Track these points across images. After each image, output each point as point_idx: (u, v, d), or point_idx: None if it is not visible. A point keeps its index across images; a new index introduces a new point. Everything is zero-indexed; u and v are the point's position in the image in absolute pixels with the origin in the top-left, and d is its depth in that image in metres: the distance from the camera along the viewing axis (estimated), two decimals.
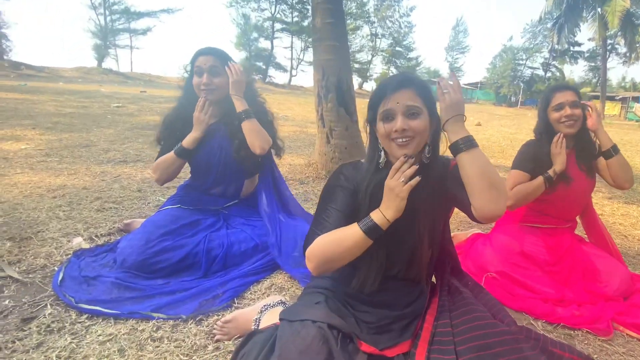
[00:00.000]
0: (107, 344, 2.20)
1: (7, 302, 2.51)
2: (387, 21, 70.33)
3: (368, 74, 70.74)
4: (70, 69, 40.67)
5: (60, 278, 2.75)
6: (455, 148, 1.85)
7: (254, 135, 3.13)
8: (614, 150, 3.04)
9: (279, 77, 62.53)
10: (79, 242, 3.35)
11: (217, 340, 2.29)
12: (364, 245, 1.83)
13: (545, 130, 3.17)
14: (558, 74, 68.29)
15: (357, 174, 2.03)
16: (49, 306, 2.50)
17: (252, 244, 3.18)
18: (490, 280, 3.06)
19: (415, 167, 1.79)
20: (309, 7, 57.07)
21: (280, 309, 2.28)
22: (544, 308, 2.81)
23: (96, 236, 3.55)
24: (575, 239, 3.30)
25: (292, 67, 63.64)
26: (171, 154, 3.12)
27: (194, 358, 2.14)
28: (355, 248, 1.83)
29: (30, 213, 3.92)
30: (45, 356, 2.07)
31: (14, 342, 2.16)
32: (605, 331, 2.62)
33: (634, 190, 6.94)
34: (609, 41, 47.52)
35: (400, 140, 1.85)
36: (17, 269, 2.90)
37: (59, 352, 2.10)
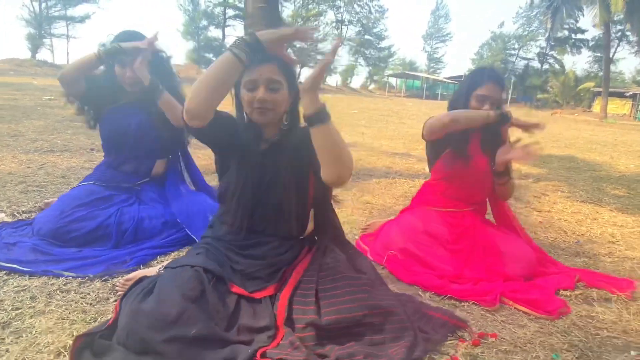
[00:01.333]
0: (21, 292, 2.83)
1: None
2: (355, 5, 68.98)
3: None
4: (0, 61, 40.58)
5: None
6: (307, 121, 2.36)
7: (170, 108, 3.68)
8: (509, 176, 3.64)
9: None
10: (1, 217, 3.96)
11: (119, 294, 2.85)
12: (233, 67, 2.31)
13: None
14: (557, 65, 67.48)
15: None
16: None
17: (162, 220, 3.77)
18: (392, 258, 3.62)
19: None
20: None
21: None
22: (437, 283, 3.35)
23: (18, 213, 4.18)
24: (479, 221, 3.87)
25: None
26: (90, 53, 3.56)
27: (96, 306, 2.76)
28: (225, 68, 2.32)
29: None
30: None
31: None
32: (490, 303, 3.12)
33: (599, 190, 7.67)
34: (618, 27, 47.01)
35: (260, 109, 2.45)
36: None
37: None
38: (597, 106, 49.99)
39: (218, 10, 59.40)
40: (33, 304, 2.68)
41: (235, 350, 2.18)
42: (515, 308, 3.12)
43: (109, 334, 2.25)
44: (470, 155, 3.65)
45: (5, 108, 11.46)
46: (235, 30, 64.51)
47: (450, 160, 3.70)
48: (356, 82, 70.36)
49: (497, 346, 2.61)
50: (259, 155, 2.59)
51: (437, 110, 32.42)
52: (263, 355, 2.18)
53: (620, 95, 51.51)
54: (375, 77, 75.10)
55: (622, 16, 35.61)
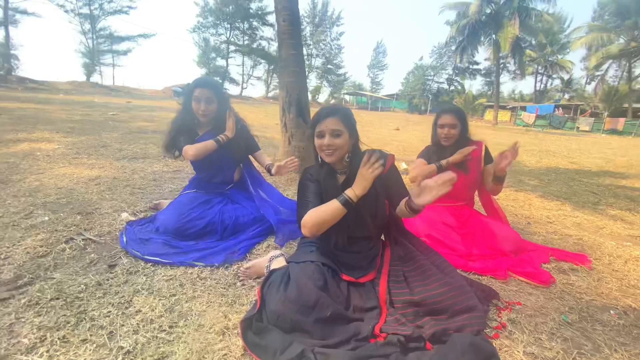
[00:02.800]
0: (171, 281, 2.72)
1: (92, 255, 3.00)
2: (321, 44, 71.75)
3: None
4: (64, 83, 40.02)
5: (124, 240, 3.25)
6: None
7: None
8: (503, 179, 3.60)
9: (232, 89, 62.68)
10: (126, 216, 3.82)
11: (242, 280, 2.82)
12: (340, 214, 2.33)
13: (433, 139, 3.84)
14: (460, 87, 69.86)
15: (317, 171, 2.64)
16: (123, 258, 3.01)
17: (252, 216, 3.72)
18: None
19: (381, 162, 2.28)
20: (257, 33, 56.93)
21: (282, 258, 2.85)
22: (460, 261, 3.37)
23: (137, 212, 4.03)
24: (473, 212, 3.93)
25: (242, 81, 64.11)
26: (210, 141, 3.55)
27: (229, 290, 2.67)
28: (334, 216, 2.34)
29: (85, 196, 4.38)
30: (133, 288, 2.58)
31: (108, 280, 2.65)
32: (503, 276, 3.17)
33: (521, 181, 7.73)
34: (501, 61, 48.68)
35: (327, 151, 2.48)
36: (90, 234, 3.36)
37: (141, 286, 2.62)
38: (488, 115, 52.56)
39: (223, 46, 59.47)
40: (184, 291, 2.58)
41: (358, 326, 2.18)
42: (518, 279, 3.15)
43: (258, 318, 2.20)
44: (469, 166, 3.71)
45: (85, 122, 11.08)
46: (235, 60, 66.19)
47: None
48: (321, 98, 72.67)
49: (523, 311, 2.62)
50: (340, 187, 2.53)
51: (384, 119, 32.70)
52: (380, 330, 2.15)
53: (504, 108, 53.17)
54: (335, 95, 77.20)
55: (508, 52, 36.93)
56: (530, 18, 35.80)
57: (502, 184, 3.61)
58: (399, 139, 15.31)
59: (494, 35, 38.35)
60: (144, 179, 5.38)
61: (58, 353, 1.90)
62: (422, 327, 2.19)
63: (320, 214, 2.35)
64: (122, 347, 1.97)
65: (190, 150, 3.49)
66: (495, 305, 2.68)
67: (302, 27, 64.49)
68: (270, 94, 63.32)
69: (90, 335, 2.05)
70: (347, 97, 74.81)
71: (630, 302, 2.89)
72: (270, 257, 2.89)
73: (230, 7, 55.47)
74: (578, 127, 41.04)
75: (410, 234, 2.83)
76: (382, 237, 2.84)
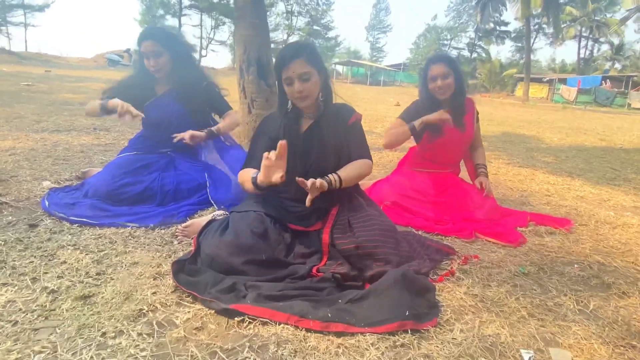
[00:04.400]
0: (100, 239, 3.25)
1: (10, 217, 3.50)
2: None
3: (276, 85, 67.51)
4: None
5: (46, 204, 3.74)
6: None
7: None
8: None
9: None
10: (48, 184, 4.32)
11: (179, 240, 3.36)
12: (253, 190, 3.01)
13: (426, 95, 4.29)
14: (484, 54, 68.79)
15: (274, 122, 3.20)
16: (45, 219, 3.53)
17: (196, 183, 4.19)
18: (386, 208, 4.12)
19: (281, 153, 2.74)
20: None
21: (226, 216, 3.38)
22: (424, 224, 3.93)
23: (61, 181, 4.53)
24: (457, 180, 4.49)
25: (201, 47, 62.71)
26: (98, 103, 3.93)
27: (165, 247, 3.22)
28: (249, 189, 3.06)
29: None
30: (57, 244, 3.08)
31: (29, 237, 3.16)
32: (467, 236, 3.74)
33: (532, 158, 8.37)
34: (536, 20, 48.02)
35: (299, 98, 3.00)
36: (6, 199, 3.86)
37: (67, 243, 3.13)
38: (519, 90, 51.42)
39: (175, 0, 57.81)
40: (114, 247, 3.09)
41: (296, 268, 2.76)
42: (486, 240, 3.72)
43: (192, 261, 2.77)
44: (444, 132, 4.17)
45: None
46: (191, 20, 63.66)
47: (431, 136, 4.22)
48: None
49: (479, 264, 3.20)
50: (304, 135, 3.13)
51: (384, 95, 32.73)
52: (317, 271, 2.74)
53: (539, 81, 52.59)
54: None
55: (539, 10, 36.53)
56: None
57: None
58: (396, 114, 15.47)
59: None
60: (69, 151, 5.88)
61: None
62: (362, 270, 2.77)
63: (243, 178, 3.03)
64: (46, 287, 2.45)
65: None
66: (450, 259, 3.27)
67: None
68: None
69: (12, 280, 2.53)
70: (339, 68, 73.06)
71: (600, 258, 3.47)
72: (212, 215, 3.41)
73: None
74: (629, 104, 41.17)
75: (364, 193, 3.45)
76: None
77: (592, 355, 2.16)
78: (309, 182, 2.71)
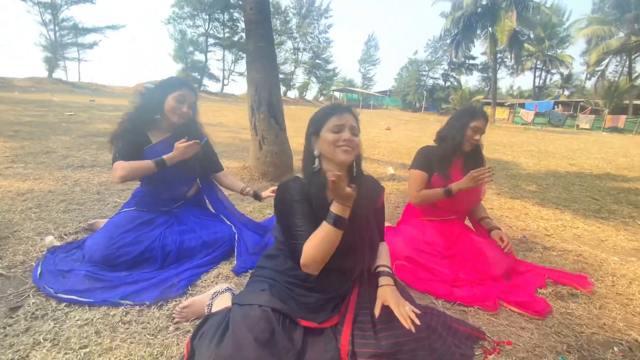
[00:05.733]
0: (85, 327, 2.38)
1: None
2: (308, 37, 71.49)
3: (291, 83, 71.10)
4: (22, 79, 39.23)
5: (39, 272, 2.90)
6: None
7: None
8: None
9: (212, 86, 62.47)
10: (50, 240, 3.47)
11: (177, 322, 2.48)
12: (337, 236, 1.99)
13: (452, 139, 3.45)
14: (456, 83, 70.88)
15: (300, 185, 2.18)
16: (31, 296, 2.65)
17: (201, 241, 3.34)
18: (400, 266, 3.31)
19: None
20: (239, 25, 56.06)
21: (228, 295, 2.50)
22: (443, 289, 3.08)
23: (65, 235, 3.67)
24: (464, 229, 3.64)
25: (223, 77, 63.89)
26: (149, 162, 3.12)
27: (158, 337, 2.33)
28: (331, 240, 1.99)
29: (5, 215, 4.01)
30: (33, 339, 2.23)
31: (4, 328, 2.31)
32: (492, 307, 2.90)
33: (517, 187, 7.59)
34: (499, 55, 48.95)
35: (345, 147, 2.11)
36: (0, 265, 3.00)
37: (45, 335, 2.27)
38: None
39: (201, 39, 59.35)
40: (99, 340, 2.25)
41: None
42: (510, 310, 2.89)
43: None
44: (452, 177, 3.42)
45: (34, 125, 10.68)
46: (215, 55, 66.45)
47: (438, 181, 3.41)
48: (309, 95, 74.45)
49: (514, 353, 2.36)
50: (329, 204, 2.09)
51: (375, 118, 32.72)
52: None
53: (501, 105, 53.22)
54: (324, 92, 77.48)
55: (505, 46, 37.35)
56: (527, 10, 36.09)
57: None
58: (389, 139, 15.19)
59: (490, 28, 38.55)
60: (86, 192, 5.02)
61: None
62: None
63: (316, 244, 2.00)
64: None
65: (119, 170, 3.07)
66: (481, 346, 2.40)
67: (288, 18, 65.69)
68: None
69: None
70: (337, 94, 75.09)
71: (636, 335, 2.67)
72: (213, 293, 2.54)
73: None
74: (578, 125, 41.63)
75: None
76: None
77: None
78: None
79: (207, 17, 57.91)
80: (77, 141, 8.77)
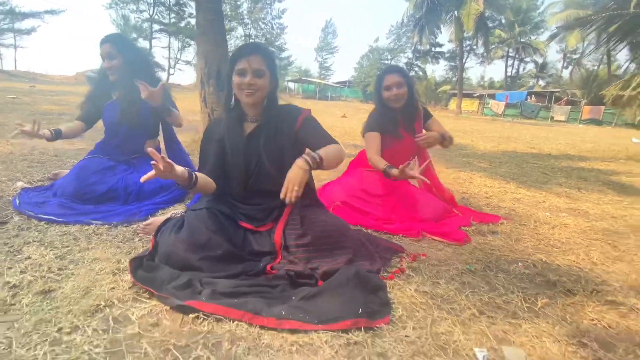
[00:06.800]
0: (64, 236, 3.02)
1: None
2: (260, 23, 69.57)
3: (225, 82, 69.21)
4: None
5: (17, 202, 3.51)
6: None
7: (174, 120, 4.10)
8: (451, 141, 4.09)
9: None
10: (21, 184, 4.07)
11: (140, 236, 3.14)
12: (194, 189, 2.66)
13: (380, 104, 4.12)
14: (421, 73, 69.16)
15: (218, 126, 2.93)
16: (15, 217, 3.28)
17: (159, 184, 4.01)
18: (336, 208, 3.95)
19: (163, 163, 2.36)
20: (185, 10, 55.27)
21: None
22: (374, 223, 3.75)
23: (33, 181, 4.29)
24: (405, 182, 4.22)
25: (169, 66, 62.58)
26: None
27: (126, 244, 2.99)
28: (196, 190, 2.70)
29: None
30: (23, 240, 2.86)
31: None
32: (415, 235, 3.57)
33: (469, 163, 8.65)
34: (467, 42, 49.23)
35: (247, 91, 2.68)
36: None
37: (32, 238, 2.90)
38: (452, 104, 52.24)
39: (146, 25, 58.30)
40: (78, 243, 2.87)
41: (250, 265, 2.54)
42: (432, 239, 3.54)
43: (150, 258, 2.54)
44: (402, 135, 4.06)
45: None
46: (161, 42, 64.49)
47: (388, 140, 4.04)
48: None
49: (427, 262, 3.00)
50: (245, 138, 2.83)
51: (332, 108, 32.85)
52: (272, 268, 2.52)
53: (470, 96, 53.30)
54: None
55: (472, 33, 37.69)
56: None
57: (448, 145, 4.13)
58: (345, 125, 15.79)
59: (455, 12, 38.93)
60: (44, 155, 5.62)
61: None
62: (315, 269, 2.54)
63: (201, 187, 2.69)
64: (8, 282, 2.24)
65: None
66: (399, 256, 3.07)
67: (239, 3, 63.51)
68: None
69: None
70: (291, 85, 73.95)
71: (543, 256, 3.30)
72: (171, 214, 3.20)
73: None
74: (552, 117, 42.15)
75: (318, 199, 3.19)
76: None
77: (545, 354, 1.98)
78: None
79: (152, 1, 56.56)
80: (27, 118, 9.30)
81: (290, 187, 2.47)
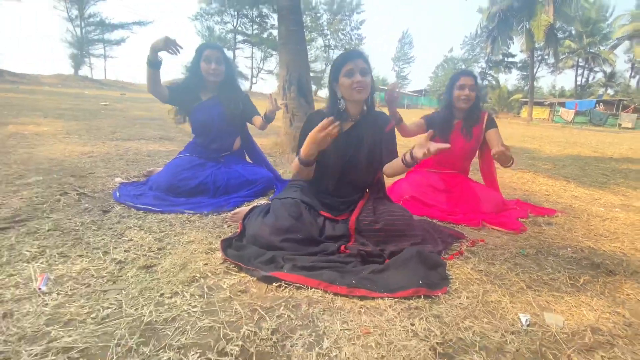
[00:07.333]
0: (161, 223, 3.32)
1: (87, 205, 3.59)
2: (339, 34, 70.14)
3: (322, 82, 71.20)
4: (49, 76, 40.61)
5: (117, 194, 3.85)
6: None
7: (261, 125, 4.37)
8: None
9: (240, 84, 62.65)
10: (119, 180, 4.43)
11: (229, 224, 3.39)
12: (304, 169, 2.94)
13: (447, 104, 4.27)
14: (494, 82, 68.48)
15: (320, 118, 2.97)
16: (116, 207, 3.61)
17: (244, 179, 4.27)
18: (405, 202, 4.15)
19: (337, 128, 2.63)
20: (268, 21, 55.94)
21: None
22: (439, 214, 3.95)
23: (130, 177, 4.63)
24: (464, 178, 4.46)
25: (252, 75, 64.41)
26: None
27: (216, 230, 3.26)
28: (301, 172, 2.98)
29: (78, 164, 5.04)
30: (125, 226, 3.17)
31: (102, 220, 3.25)
32: (476, 224, 3.76)
33: (534, 165, 8.65)
34: (539, 52, 48.50)
35: (358, 88, 2.92)
36: (85, 190, 3.96)
37: (133, 225, 3.21)
38: (524, 112, 50.85)
39: (229, 36, 59.99)
40: (173, 229, 3.15)
41: (327, 245, 2.79)
42: (491, 228, 3.71)
43: (238, 240, 2.83)
44: (451, 141, 4.15)
45: (76, 110, 11.98)
46: (244, 52, 65.57)
47: (436, 141, 4.16)
48: None
49: (485, 247, 3.19)
50: (344, 134, 3.08)
51: (408, 115, 33.01)
52: (346, 248, 2.77)
53: (541, 104, 51.99)
54: None
55: (542, 44, 37.25)
56: (566, 4, 35.98)
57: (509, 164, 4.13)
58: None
59: (527, 24, 38.59)
60: (138, 155, 6.00)
61: (57, 263, 2.45)
62: (383, 250, 2.78)
63: (295, 169, 2.98)
64: (114, 259, 2.53)
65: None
66: (460, 242, 3.28)
67: (319, 14, 63.84)
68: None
69: (87, 252, 2.61)
70: (375, 97, 73.21)
71: (591, 243, 3.44)
72: (257, 204, 3.45)
73: None
74: (620, 124, 40.99)
75: (388, 197, 3.43)
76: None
77: (581, 320, 2.15)
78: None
79: (235, 13, 58.32)
80: (120, 123, 9.86)
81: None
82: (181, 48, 3.72)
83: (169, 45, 3.67)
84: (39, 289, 2.10)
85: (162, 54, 3.79)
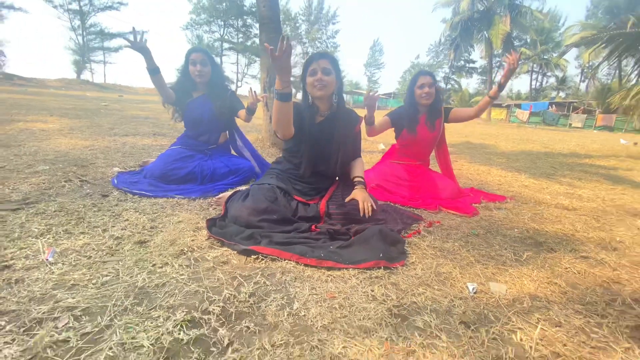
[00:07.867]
0: (154, 205, 3.38)
1: (88, 190, 3.64)
2: (317, 42, 71.09)
3: (300, 85, 69.42)
4: (54, 80, 40.50)
5: (115, 182, 3.91)
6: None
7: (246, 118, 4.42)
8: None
9: None
10: (117, 169, 4.48)
11: (214, 207, 3.47)
12: (283, 106, 2.77)
13: (410, 101, 4.36)
14: (457, 85, 69.21)
15: (299, 107, 3.23)
16: (114, 192, 3.67)
17: (228, 169, 4.33)
18: (372, 189, 4.25)
19: (285, 39, 2.49)
20: (251, 30, 56.33)
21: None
22: (400, 200, 4.06)
23: (127, 167, 4.69)
24: (426, 169, 4.56)
25: (237, 79, 64.86)
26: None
27: (203, 212, 3.33)
28: (281, 111, 2.81)
29: (80, 156, 5.08)
30: (122, 208, 3.24)
31: (102, 203, 3.30)
32: (433, 208, 3.88)
33: (489, 159, 8.99)
34: (497, 59, 48.97)
35: (318, 85, 3.05)
36: (86, 178, 4.01)
37: (129, 207, 3.27)
38: (484, 113, 51.08)
39: (217, 44, 60.45)
40: (164, 211, 3.22)
41: (299, 225, 2.88)
42: (447, 212, 3.82)
43: (221, 219, 2.90)
44: (417, 132, 4.31)
45: (78, 109, 12.07)
46: (230, 59, 65.74)
47: (407, 135, 4.37)
48: None
49: (440, 227, 3.29)
50: (317, 126, 3.19)
51: (378, 116, 33.15)
52: (316, 227, 2.87)
53: (499, 106, 52.30)
54: None
55: (500, 51, 37.67)
56: (521, 15, 36.43)
57: (493, 102, 4.16)
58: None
59: (486, 32, 39.02)
60: (134, 148, 6.05)
61: (62, 238, 2.51)
62: (349, 229, 2.86)
63: (275, 114, 2.86)
64: (112, 235, 2.60)
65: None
66: (418, 223, 3.38)
67: (298, 24, 64.30)
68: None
69: (88, 230, 2.68)
70: (343, 96, 73.87)
71: (535, 225, 3.55)
72: (238, 188, 3.52)
73: (224, 4, 55.97)
74: (570, 124, 41.34)
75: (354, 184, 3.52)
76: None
77: (522, 288, 2.26)
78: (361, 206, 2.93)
79: (222, 23, 58.93)
80: (118, 120, 9.91)
81: (367, 203, 2.92)
82: (146, 32, 3.87)
83: (133, 42, 3.89)
84: (47, 259, 2.18)
85: (159, 61, 3.89)
